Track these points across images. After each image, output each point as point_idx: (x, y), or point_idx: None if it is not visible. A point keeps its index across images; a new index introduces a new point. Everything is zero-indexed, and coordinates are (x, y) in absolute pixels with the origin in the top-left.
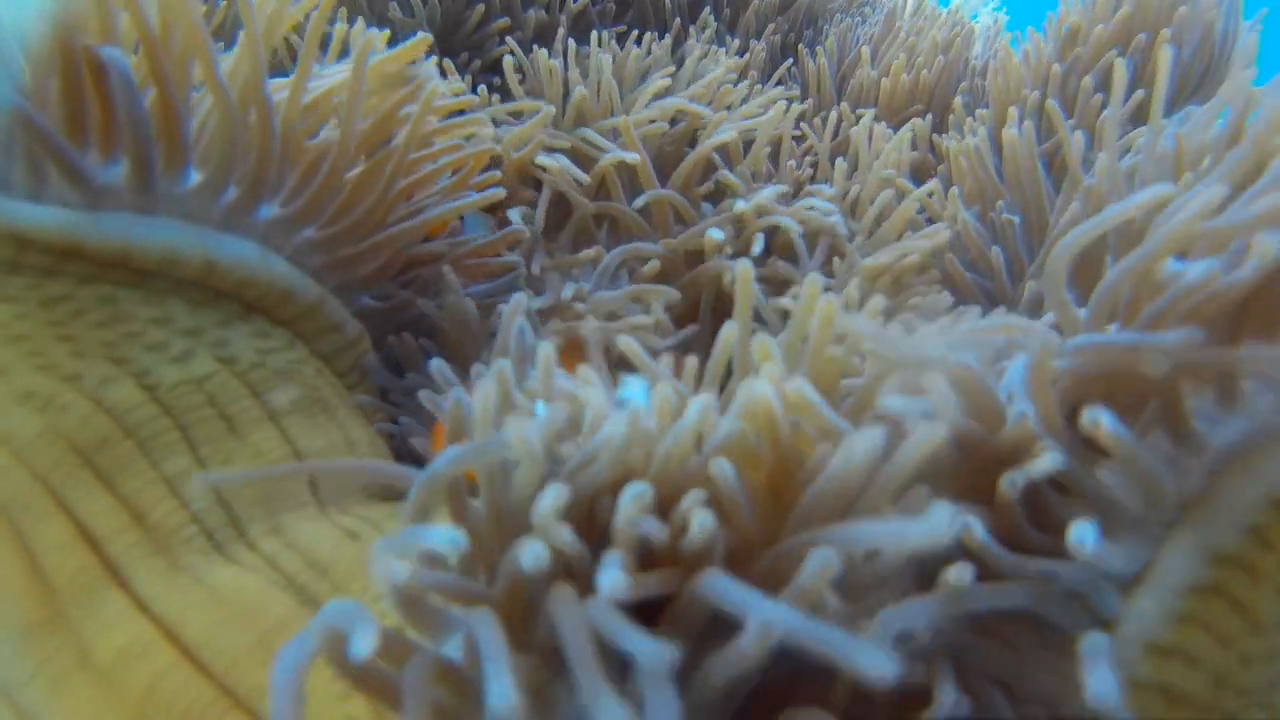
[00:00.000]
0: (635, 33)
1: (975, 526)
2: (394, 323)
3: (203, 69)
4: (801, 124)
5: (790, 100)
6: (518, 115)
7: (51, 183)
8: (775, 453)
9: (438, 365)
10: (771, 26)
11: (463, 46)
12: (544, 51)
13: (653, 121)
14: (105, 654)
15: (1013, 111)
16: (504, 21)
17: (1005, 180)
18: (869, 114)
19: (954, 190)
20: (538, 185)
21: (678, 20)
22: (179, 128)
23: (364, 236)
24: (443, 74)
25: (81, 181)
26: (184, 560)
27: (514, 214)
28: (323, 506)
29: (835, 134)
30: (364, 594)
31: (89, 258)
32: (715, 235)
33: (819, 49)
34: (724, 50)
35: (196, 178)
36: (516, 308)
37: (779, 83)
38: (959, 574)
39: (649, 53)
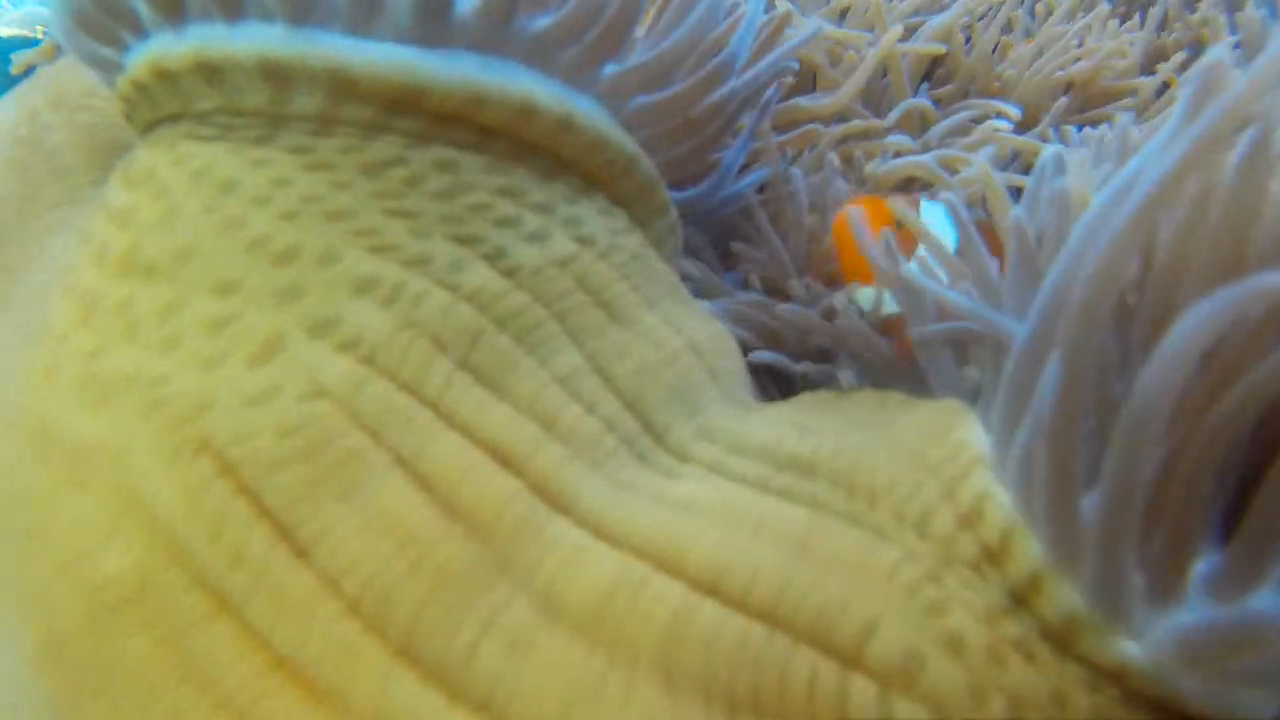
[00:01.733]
0: None
1: None
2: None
3: None
4: None
5: None
6: None
7: (381, 11)
8: None
9: None
10: None
11: None
12: None
13: None
14: (581, 598)
15: None
16: None
17: None
18: None
19: None
20: None
21: None
22: None
23: (696, 104)
24: None
25: (430, 7)
26: (622, 476)
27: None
28: (740, 401)
29: None
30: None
31: (429, 110)
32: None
33: None
34: None
35: (551, 17)
36: None
37: None
38: None
39: None
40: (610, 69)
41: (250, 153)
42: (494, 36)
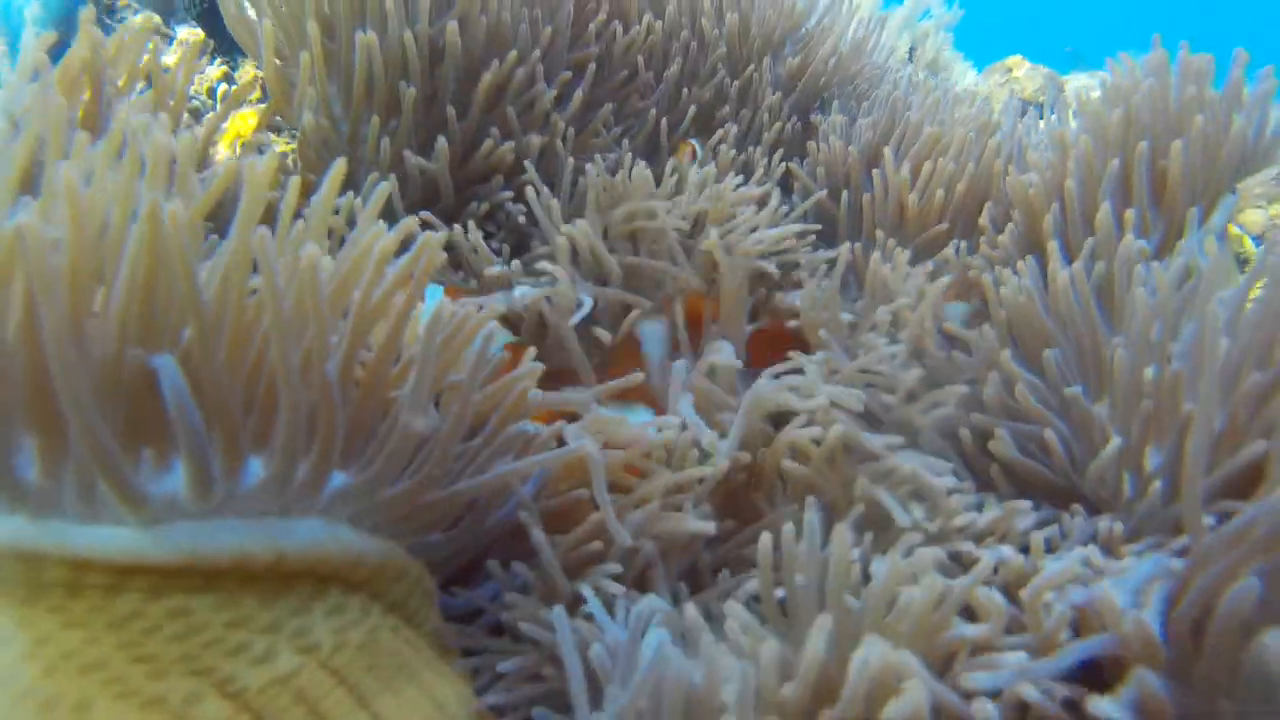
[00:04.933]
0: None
1: None
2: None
3: (278, 361)
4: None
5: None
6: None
7: (103, 500)
8: None
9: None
10: (779, 126)
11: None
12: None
13: None
14: None
15: (1053, 247)
16: (508, 146)
17: (1052, 318)
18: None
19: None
20: None
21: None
22: (235, 428)
23: (431, 490)
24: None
25: (137, 499)
26: None
27: None
28: None
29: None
30: None
31: (154, 572)
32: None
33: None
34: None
35: (259, 472)
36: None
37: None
38: None
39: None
40: (335, 482)
41: (16, 611)
42: (203, 504)
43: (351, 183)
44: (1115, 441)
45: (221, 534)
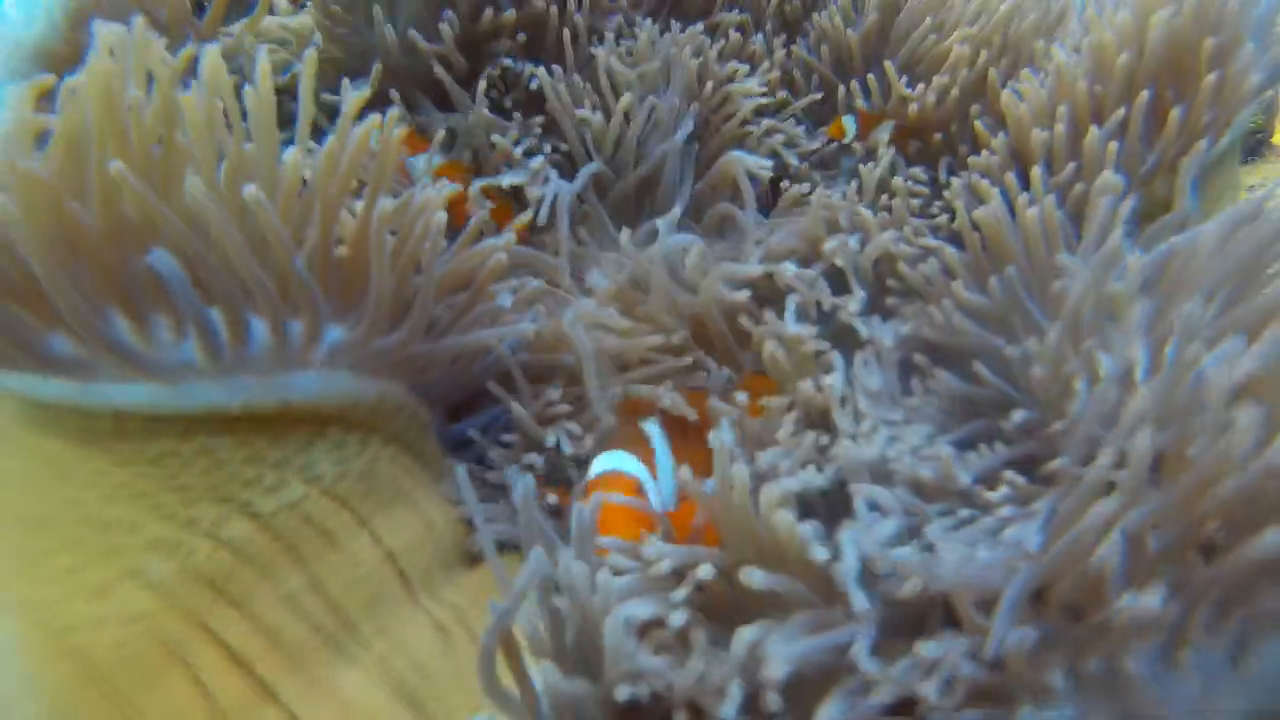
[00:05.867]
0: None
1: None
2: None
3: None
4: None
5: None
6: None
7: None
8: None
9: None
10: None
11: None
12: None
13: None
14: None
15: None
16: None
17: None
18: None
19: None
20: None
21: None
22: (238, 304)
23: (417, 343)
24: None
25: (159, 370)
26: (317, 671)
27: None
28: (415, 596)
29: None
30: (462, 701)
31: (180, 419)
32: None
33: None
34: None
35: (262, 337)
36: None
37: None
38: None
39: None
40: (331, 337)
41: (77, 451)
42: (217, 366)
43: (366, 65)
44: (1051, 336)
45: (234, 389)
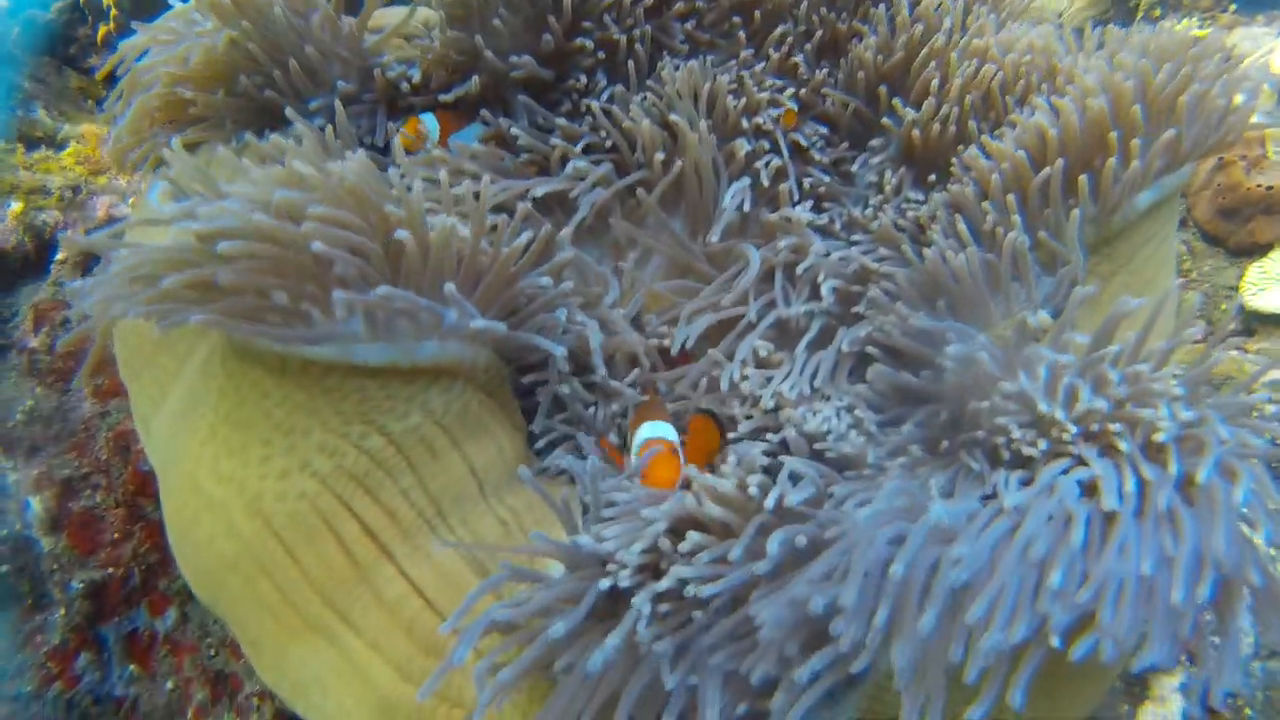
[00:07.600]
0: None
1: None
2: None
3: (416, 258)
4: None
5: None
6: None
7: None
8: None
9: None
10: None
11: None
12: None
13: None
14: (389, 598)
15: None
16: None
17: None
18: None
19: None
20: None
21: None
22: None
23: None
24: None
25: (335, 337)
26: (419, 541)
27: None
28: (487, 499)
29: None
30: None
31: (342, 367)
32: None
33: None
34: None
35: (404, 324)
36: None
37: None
38: None
39: None
40: (448, 318)
41: (273, 380)
42: (371, 334)
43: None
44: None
45: (380, 350)
